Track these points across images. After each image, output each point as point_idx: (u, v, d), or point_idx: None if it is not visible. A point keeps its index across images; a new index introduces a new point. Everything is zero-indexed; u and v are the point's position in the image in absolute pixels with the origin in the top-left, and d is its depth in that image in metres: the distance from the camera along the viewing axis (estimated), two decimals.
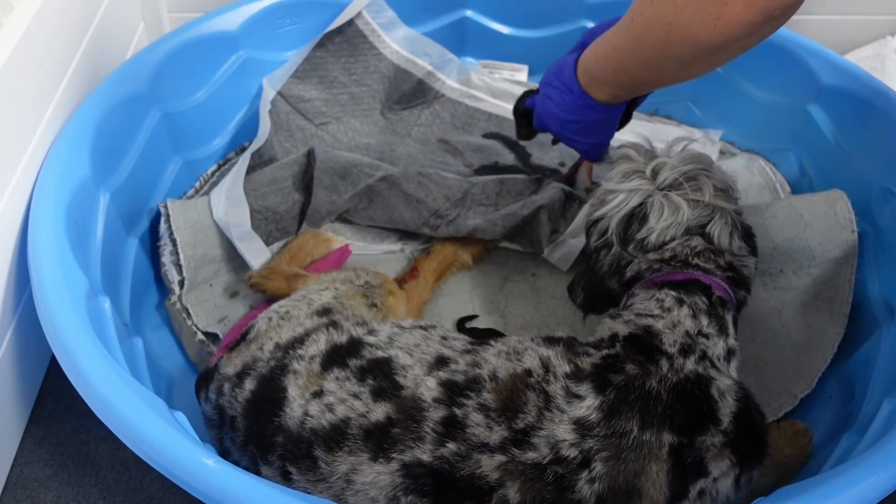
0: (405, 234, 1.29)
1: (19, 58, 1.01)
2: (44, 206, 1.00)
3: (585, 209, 1.20)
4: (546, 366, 0.83)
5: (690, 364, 0.82)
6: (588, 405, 0.78)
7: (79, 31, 1.22)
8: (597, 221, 0.97)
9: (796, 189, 1.35)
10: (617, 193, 0.95)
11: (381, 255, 1.28)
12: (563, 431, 0.77)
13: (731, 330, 0.88)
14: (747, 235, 0.95)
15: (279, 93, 1.40)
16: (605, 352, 0.84)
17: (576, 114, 1.07)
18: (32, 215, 0.99)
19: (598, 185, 1.26)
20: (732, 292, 0.90)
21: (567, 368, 0.82)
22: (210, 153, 1.39)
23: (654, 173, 0.94)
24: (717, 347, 0.85)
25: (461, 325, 1.19)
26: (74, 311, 0.89)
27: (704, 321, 0.86)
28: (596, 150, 1.13)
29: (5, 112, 0.98)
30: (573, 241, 1.21)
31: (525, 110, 1.20)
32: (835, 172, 1.26)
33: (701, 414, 0.79)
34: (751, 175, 1.36)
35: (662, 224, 0.91)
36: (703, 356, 0.83)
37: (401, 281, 1.19)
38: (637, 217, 0.93)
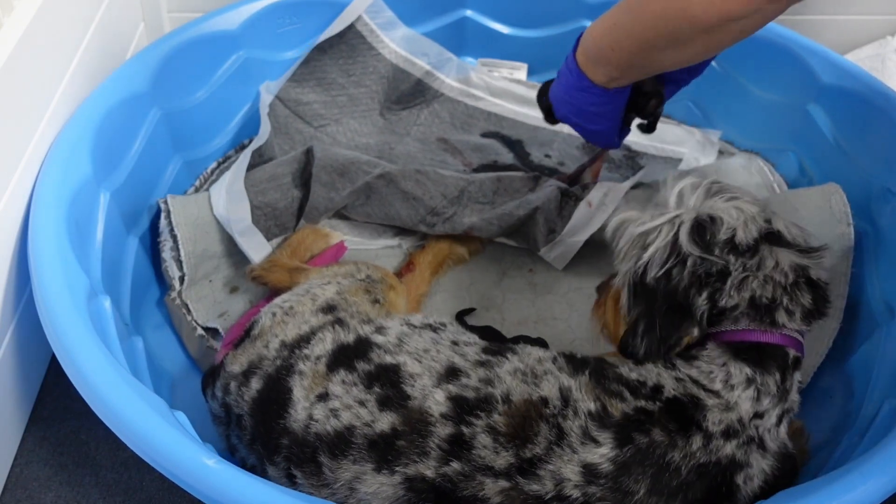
0: (402, 230, 1.29)
1: (19, 58, 1.01)
2: (44, 205, 1.00)
3: (582, 207, 1.21)
4: (566, 398, 0.79)
5: (729, 448, 0.77)
6: (602, 454, 0.75)
7: (79, 31, 1.22)
8: (647, 263, 0.85)
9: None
10: (657, 228, 0.85)
11: (379, 250, 1.28)
12: (569, 471, 0.75)
13: (793, 390, 0.82)
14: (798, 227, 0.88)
15: (277, 96, 1.40)
16: (641, 403, 0.78)
17: (573, 95, 1.04)
18: (32, 215, 0.99)
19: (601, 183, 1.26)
20: (803, 343, 0.84)
21: (592, 406, 0.78)
22: (210, 153, 1.39)
23: (680, 198, 0.87)
24: (770, 419, 0.79)
25: (459, 318, 1.19)
26: (74, 311, 0.88)
27: (766, 402, 0.79)
28: (600, 137, 1.11)
29: (5, 112, 0.98)
30: (570, 241, 1.21)
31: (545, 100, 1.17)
32: (835, 172, 1.26)
33: (718, 494, 0.76)
34: (749, 175, 1.36)
35: (740, 221, 0.82)
36: (750, 440, 0.78)
37: (398, 275, 1.19)
38: (707, 224, 0.83)
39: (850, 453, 0.91)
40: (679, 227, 0.84)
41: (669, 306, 0.83)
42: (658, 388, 0.80)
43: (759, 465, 0.78)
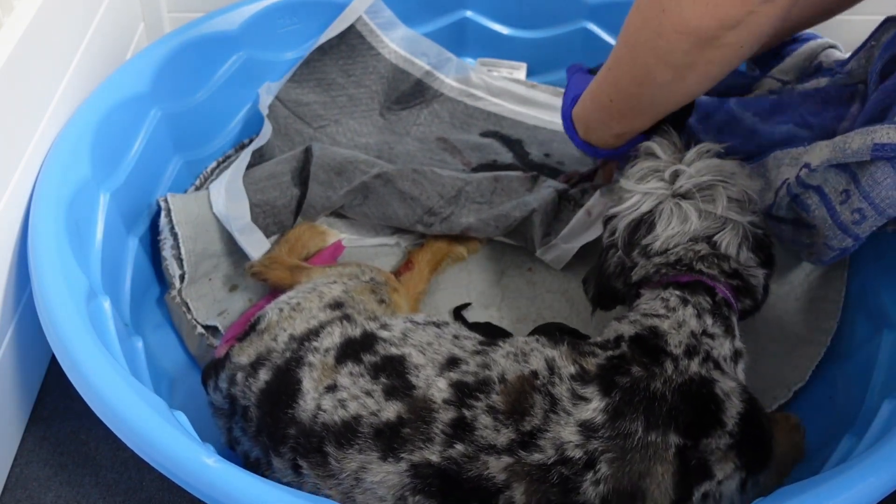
0: (400, 228, 1.29)
1: (19, 58, 1.01)
2: (44, 206, 1.00)
3: (581, 214, 1.21)
4: (551, 367, 0.83)
5: (695, 366, 0.81)
6: (594, 407, 0.78)
7: (79, 31, 1.22)
8: (612, 218, 0.97)
9: None
10: (632, 194, 0.94)
11: (377, 247, 1.28)
12: (568, 433, 0.77)
13: (737, 331, 0.88)
14: (760, 246, 0.93)
15: (277, 97, 1.40)
16: (609, 352, 0.84)
17: (588, 153, 1.12)
18: (32, 215, 0.99)
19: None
20: (735, 299, 0.90)
21: (572, 370, 0.82)
22: (210, 153, 1.39)
23: (673, 178, 0.93)
24: (722, 348, 0.85)
25: (458, 313, 1.20)
26: (74, 311, 0.89)
27: (709, 321, 0.86)
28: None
29: (5, 112, 0.98)
30: (565, 246, 1.21)
31: None
32: None
33: (707, 414, 0.78)
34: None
35: (669, 232, 0.90)
36: (707, 357, 0.83)
37: (396, 274, 1.20)
38: (645, 223, 0.93)
39: (849, 453, 0.91)
40: (634, 211, 0.93)
41: (600, 283, 0.98)
42: (619, 337, 0.86)
43: (728, 383, 0.81)
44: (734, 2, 0.78)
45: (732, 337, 0.87)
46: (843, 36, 1.61)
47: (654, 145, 0.97)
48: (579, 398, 0.79)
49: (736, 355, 0.86)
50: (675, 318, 0.86)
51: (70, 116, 1.13)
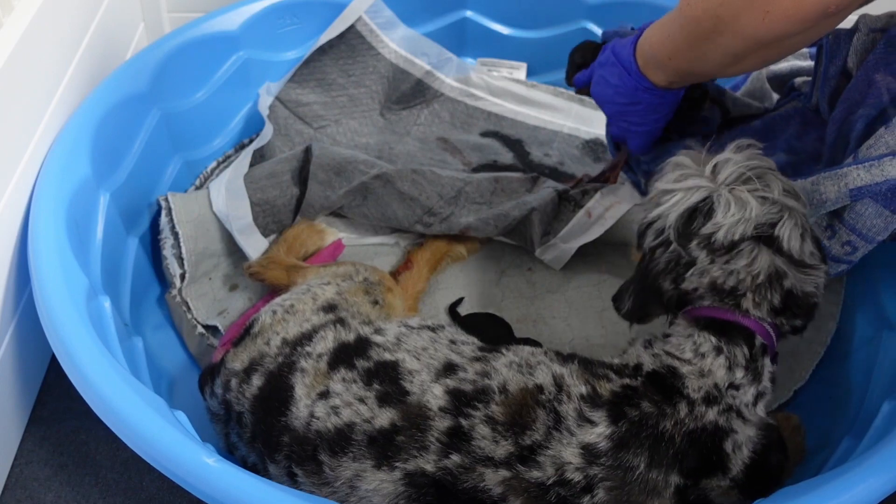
0: (399, 228, 1.29)
1: (19, 58, 1.01)
2: (44, 206, 1.00)
3: (581, 215, 1.21)
4: (559, 384, 0.81)
5: (712, 414, 0.79)
6: (599, 432, 0.77)
7: (79, 31, 1.22)
8: (651, 223, 0.88)
9: None
10: (674, 193, 0.86)
11: (376, 247, 1.28)
12: (569, 454, 0.76)
13: (765, 375, 0.83)
14: (816, 241, 0.86)
15: (277, 98, 1.40)
16: (626, 381, 0.81)
17: (632, 96, 1.06)
18: (32, 215, 0.99)
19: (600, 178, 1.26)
20: (777, 337, 0.84)
21: (583, 390, 0.80)
22: (210, 153, 1.39)
23: (715, 171, 0.85)
24: (746, 395, 0.81)
25: (453, 310, 1.20)
26: (74, 311, 0.89)
27: (739, 374, 0.81)
28: (645, 137, 1.13)
29: (5, 112, 0.98)
30: (564, 246, 1.21)
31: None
32: None
33: (710, 462, 0.77)
34: None
35: (731, 220, 0.81)
36: (729, 408, 0.80)
37: (395, 273, 1.20)
38: (701, 212, 0.83)
39: (849, 454, 0.91)
40: (683, 203, 0.85)
41: (644, 287, 0.88)
42: (638, 367, 0.83)
43: (745, 433, 0.79)
44: (790, 19, 0.77)
45: (758, 383, 0.82)
46: None
47: (683, 158, 0.89)
48: (586, 420, 0.78)
49: (758, 397, 0.82)
50: (699, 365, 0.81)
51: (70, 116, 1.13)
